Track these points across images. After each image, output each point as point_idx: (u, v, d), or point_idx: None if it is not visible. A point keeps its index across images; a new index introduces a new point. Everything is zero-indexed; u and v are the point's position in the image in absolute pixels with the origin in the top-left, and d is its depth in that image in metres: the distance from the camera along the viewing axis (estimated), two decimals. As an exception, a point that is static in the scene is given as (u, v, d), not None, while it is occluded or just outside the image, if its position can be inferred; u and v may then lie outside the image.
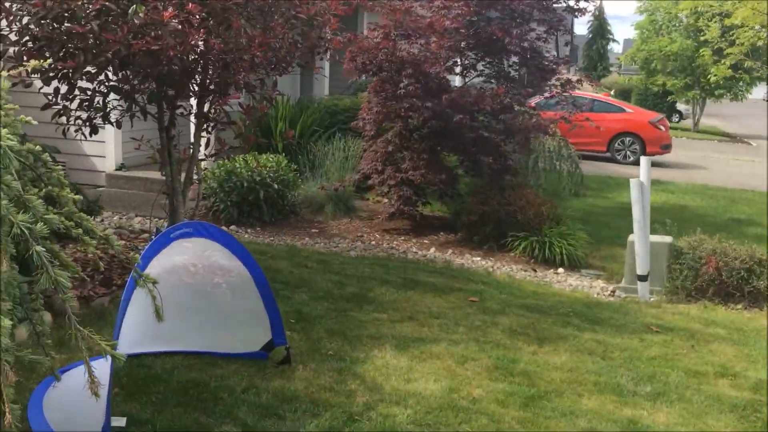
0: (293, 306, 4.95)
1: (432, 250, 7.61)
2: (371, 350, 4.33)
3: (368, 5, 7.41)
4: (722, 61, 12.02)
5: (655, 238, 6.54)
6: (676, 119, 34.46)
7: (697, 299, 6.24)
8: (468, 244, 7.82)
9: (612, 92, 35.86)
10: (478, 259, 7.39)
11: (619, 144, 16.95)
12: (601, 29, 58.93)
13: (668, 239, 6.59)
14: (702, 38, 13.11)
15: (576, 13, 8.75)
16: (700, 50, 19.03)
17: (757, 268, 6.26)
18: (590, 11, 8.90)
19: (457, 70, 8.72)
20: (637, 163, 16.47)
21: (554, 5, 8.65)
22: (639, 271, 6.30)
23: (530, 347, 4.67)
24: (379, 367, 4.09)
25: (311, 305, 4.99)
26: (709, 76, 17.27)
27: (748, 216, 10.35)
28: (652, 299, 6.29)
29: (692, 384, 4.28)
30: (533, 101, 9.86)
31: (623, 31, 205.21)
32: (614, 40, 60.27)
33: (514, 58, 8.69)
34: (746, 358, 4.81)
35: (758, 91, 36.24)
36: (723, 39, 11.57)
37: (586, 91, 21.24)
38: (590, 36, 58.99)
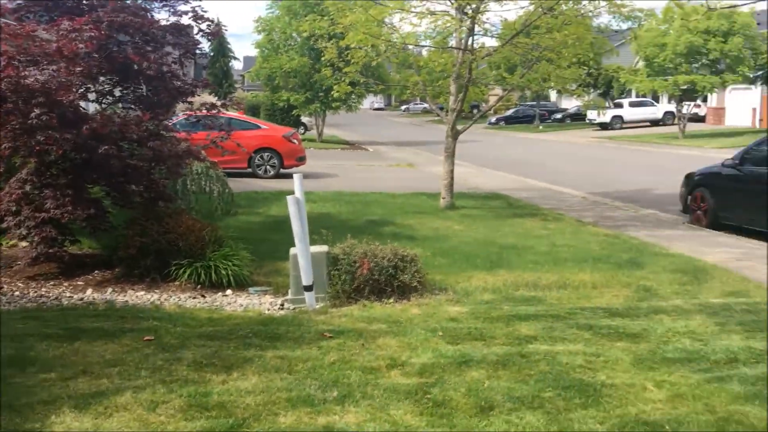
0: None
1: (89, 291, 7.06)
2: (47, 418, 3.88)
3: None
4: (342, 79, 13.23)
5: (314, 248, 6.97)
6: (302, 131, 36.98)
7: (357, 300, 6.81)
8: (128, 279, 7.43)
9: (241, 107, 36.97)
10: (143, 293, 7.06)
11: (259, 159, 17.59)
12: (221, 47, 60.16)
13: (325, 248, 7.07)
14: (322, 58, 14.28)
15: (209, 37, 8.87)
16: (321, 69, 20.71)
17: (401, 264, 7.07)
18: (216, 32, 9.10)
19: (92, 96, 8.21)
20: (278, 176, 17.42)
21: (188, 28, 8.66)
22: (304, 282, 6.66)
23: (219, 377, 4.65)
24: (62, 434, 3.69)
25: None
26: (332, 93, 18.88)
27: (381, 216, 11.60)
28: (319, 307, 6.70)
29: (371, 380, 4.69)
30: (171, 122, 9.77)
31: (242, 48, 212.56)
32: (235, 58, 62.30)
33: (154, 83, 8.48)
34: (408, 346, 5.41)
35: (367, 102, 40.68)
36: (340, 59, 12.73)
37: (222, 111, 21.52)
38: (212, 54, 59.93)
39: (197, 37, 8.82)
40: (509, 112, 58.82)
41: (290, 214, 6.59)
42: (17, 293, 6.90)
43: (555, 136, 42.92)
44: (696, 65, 32.62)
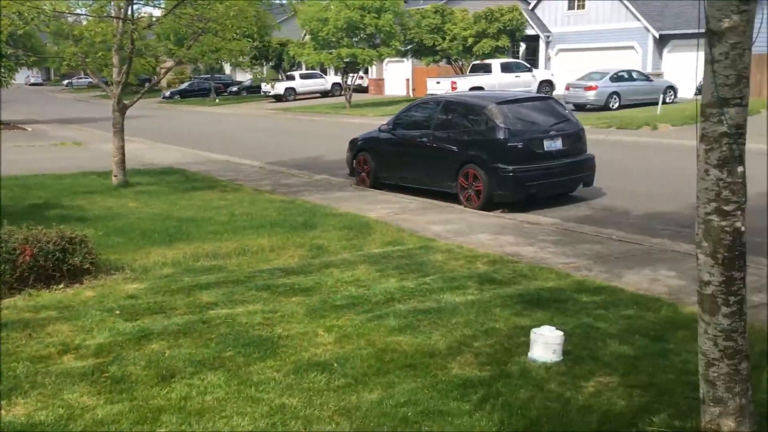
0: None
1: None
2: None
3: None
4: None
5: (-38, 239, 6.22)
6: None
7: (21, 290, 6.27)
8: None
9: None
10: None
11: None
12: None
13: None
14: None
15: None
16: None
17: (70, 246, 6.65)
18: None
19: None
20: None
21: None
22: (-47, 277, 5.93)
23: None
24: None
25: None
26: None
27: (46, 200, 10.70)
28: (-26, 302, 6.02)
29: (41, 369, 4.42)
30: None
31: None
32: None
33: None
34: (82, 329, 5.18)
35: (20, 76, 36.61)
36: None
37: None
38: None
39: None
40: (184, 86, 57.51)
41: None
42: None
43: (232, 109, 43.10)
44: (356, 39, 35.11)
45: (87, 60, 11.89)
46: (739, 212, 3.17)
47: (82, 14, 11.89)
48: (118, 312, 5.59)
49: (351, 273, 6.75)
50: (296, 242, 8.05)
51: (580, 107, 28.23)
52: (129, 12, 11.29)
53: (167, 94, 55.80)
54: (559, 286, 6.29)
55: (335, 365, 4.54)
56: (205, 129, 28.16)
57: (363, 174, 12.79)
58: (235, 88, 56.75)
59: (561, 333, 4.58)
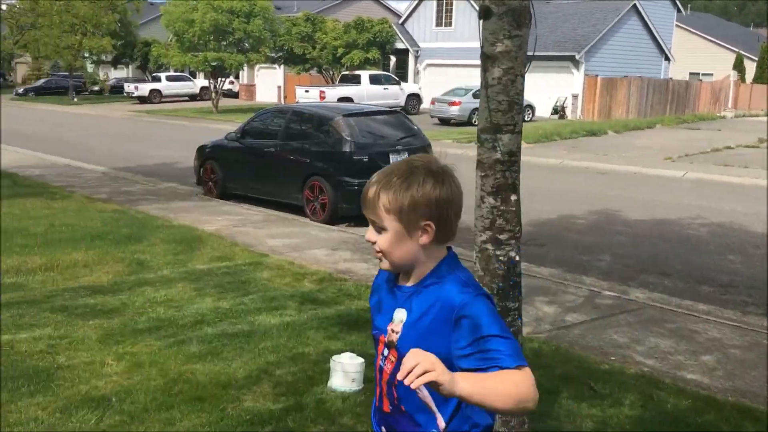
0: None
1: None
2: None
3: None
4: None
5: None
6: None
7: None
8: None
9: None
10: None
11: None
12: None
13: None
14: None
15: None
16: None
17: None
18: None
19: None
20: None
21: None
22: None
23: None
24: None
25: None
26: None
27: None
28: None
29: None
30: None
31: None
32: None
33: None
34: None
35: None
36: None
37: None
38: None
39: None
40: (40, 83, 53.97)
41: None
42: None
43: (90, 109, 40.76)
44: (224, 43, 34.21)
45: None
46: (513, 241, 3.07)
47: None
48: None
49: (165, 292, 6.28)
50: (116, 257, 7.47)
51: (444, 121, 28.85)
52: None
53: (20, 90, 52.12)
54: (381, 306, 6.12)
55: (113, 400, 4.10)
56: (54, 130, 26.37)
57: (210, 183, 12.26)
58: (96, 87, 53.90)
59: (361, 360, 4.38)
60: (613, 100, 32.97)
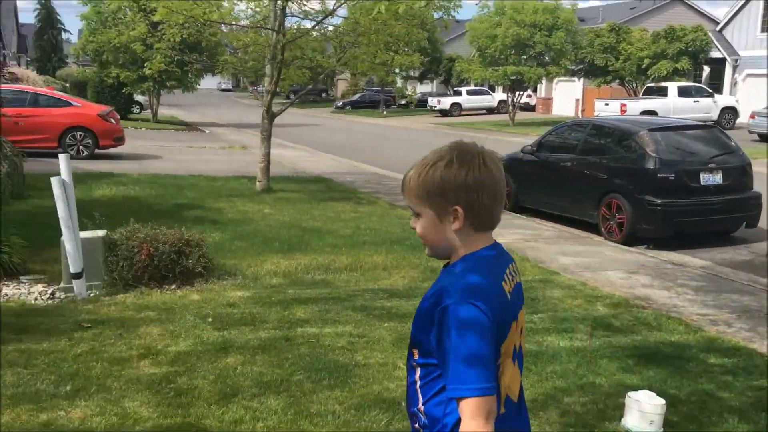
0: None
1: None
2: None
3: None
4: (154, 56, 12.63)
5: (87, 233, 6.58)
6: (137, 110, 35.22)
7: (135, 287, 6.52)
8: None
9: (67, 85, 34.62)
10: None
11: (70, 139, 16.48)
12: (50, 18, 55.90)
13: (101, 233, 6.70)
14: (131, 33, 13.54)
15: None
16: (127, 44, 19.87)
17: (186, 249, 6.84)
18: None
19: None
20: (92, 157, 16.42)
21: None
22: (72, 270, 6.27)
23: (-61, 375, 4.24)
24: None
25: None
26: (142, 70, 18.16)
27: (192, 200, 11.24)
28: (90, 295, 6.33)
29: (115, 371, 4.48)
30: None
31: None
32: (66, 30, 58.18)
33: None
34: (170, 334, 5.23)
35: (205, 83, 39.58)
36: (151, 35, 12.16)
37: (31, 85, 20.01)
38: (39, 26, 55.60)
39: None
40: (356, 97, 59.30)
41: (55, 196, 6.16)
42: None
43: (396, 121, 43.77)
44: (524, 57, 34.36)
45: (240, 69, 12.41)
46: None
47: (238, 25, 12.40)
48: (210, 319, 5.61)
49: (456, 302, 6.35)
50: (411, 263, 7.78)
51: (765, 138, 25.69)
52: (283, 25, 11.64)
53: (339, 104, 57.87)
54: (685, 340, 5.53)
55: (403, 404, 4.20)
56: (363, 140, 28.71)
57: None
58: (403, 101, 57.72)
59: (662, 402, 3.93)
60: None
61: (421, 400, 1.78)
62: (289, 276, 7.18)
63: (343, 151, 22.90)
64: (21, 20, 64.99)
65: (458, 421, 1.67)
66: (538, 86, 45.28)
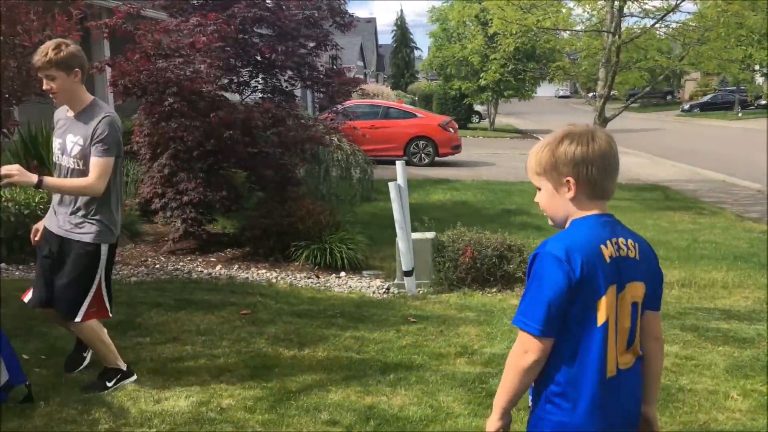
0: (48, 341, 4.83)
1: (218, 267, 7.66)
2: (125, 375, 4.33)
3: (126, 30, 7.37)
4: (489, 66, 13.11)
5: (418, 235, 7.06)
6: (477, 120, 36.88)
7: (459, 287, 6.81)
8: (254, 257, 7.96)
9: (416, 98, 37.66)
10: (264, 271, 7.54)
11: (414, 147, 17.88)
12: (404, 38, 61.50)
13: (430, 235, 7.13)
14: (469, 45, 14.21)
15: (342, 29, 9.20)
16: (468, 57, 20.74)
17: (508, 254, 6.95)
18: (365, 21, 9.40)
19: (233, 87, 8.86)
20: (432, 164, 17.62)
21: (321, 21, 9.05)
22: (404, 268, 6.77)
23: (291, 352, 4.90)
24: (130, 391, 4.12)
25: (68, 339, 4.87)
26: (479, 81, 18.86)
27: (519, 206, 11.38)
28: (419, 292, 6.78)
29: (433, 365, 4.71)
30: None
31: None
32: (417, 48, 63.34)
33: (289, 73, 8.98)
34: (486, 335, 5.35)
35: (542, 90, 39.76)
36: (488, 46, 12.62)
37: (383, 100, 22.18)
38: (395, 45, 61.46)
39: (330, 28, 9.18)
40: (706, 98, 54.46)
41: (392, 200, 6.72)
42: (157, 266, 7.65)
43: (754, 123, 39.13)
44: None
45: (573, 74, 12.19)
46: None
47: (573, 30, 12.21)
48: (527, 325, 5.60)
49: (810, 331, 5.45)
50: (758, 282, 6.89)
51: None
52: (619, 26, 11.17)
53: (686, 107, 53.70)
54: None
55: (733, 440, 3.72)
56: (709, 145, 26.17)
57: None
58: (763, 102, 51.36)
59: None
60: None
61: None
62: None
63: (682, 156, 21.19)
64: (380, 41, 72.59)
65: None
66: None
